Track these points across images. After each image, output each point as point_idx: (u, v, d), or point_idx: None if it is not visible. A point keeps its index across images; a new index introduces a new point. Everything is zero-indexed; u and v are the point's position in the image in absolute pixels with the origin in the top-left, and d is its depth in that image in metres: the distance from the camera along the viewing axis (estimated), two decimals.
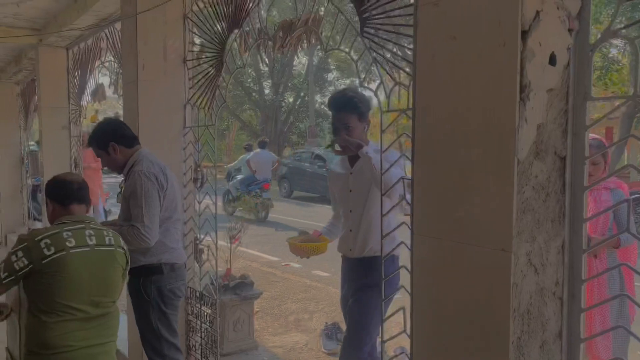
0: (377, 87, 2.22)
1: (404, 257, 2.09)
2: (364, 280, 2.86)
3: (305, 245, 3.02)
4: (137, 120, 3.62)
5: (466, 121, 1.53)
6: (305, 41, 2.75)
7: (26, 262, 2.17)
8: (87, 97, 5.73)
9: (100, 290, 2.33)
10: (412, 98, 1.71)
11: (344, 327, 4.86)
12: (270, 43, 2.98)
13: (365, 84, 2.34)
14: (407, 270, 1.91)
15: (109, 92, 5.70)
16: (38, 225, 8.84)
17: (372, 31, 2.19)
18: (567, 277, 1.55)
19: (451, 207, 1.57)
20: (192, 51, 3.84)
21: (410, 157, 1.72)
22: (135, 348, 3.24)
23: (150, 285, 3.00)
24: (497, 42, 1.45)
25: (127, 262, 2.50)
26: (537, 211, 1.49)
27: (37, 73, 6.34)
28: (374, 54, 2.18)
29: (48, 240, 2.21)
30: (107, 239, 2.39)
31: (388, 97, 2.15)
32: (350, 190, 2.93)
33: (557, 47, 1.49)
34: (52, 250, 2.20)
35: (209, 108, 3.62)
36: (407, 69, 2.05)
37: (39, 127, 6.49)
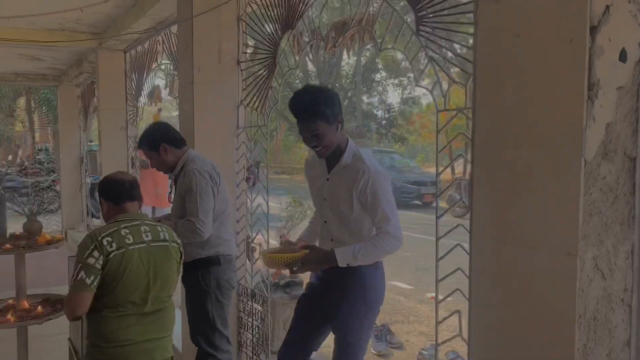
0: (433, 86, 2.19)
1: (459, 260, 2.05)
2: (346, 294, 2.44)
3: (279, 256, 2.37)
4: (193, 120, 3.71)
5: (530, 120, 1.49)
6: (358, 41, 2.74)
7: (102, 260, 2.24)
8: (143, 99, 5.92)
9: (156, 284, 2.38)
10: (472, 97, 1.68)
11: (392, 328, 4.84)
12: (322, 43, 2.99)
13: (420, 83, 2.31)
14: (464, 273, 1.87)
15: (164, 93, 5.88)
16: (96, 221, 9.20)
17: (428, 29, 2.15)
18: (636, 283, 1.48)
19: (513, 209, 1.53)
20: (246, 53, 3.90)
21: (464, 157, 1.69)
22: (190, 343, 3.31)
23: (209, 276, 3.11)
24: (564, 38, 1.40)
25: (181, 256, 2.55)
26: (605, 214, 1.43)
27: (97, 75, 6.59)
28: (430, 53, 2.15)
29: (109, 238, 2.28)
30: (161, 234, 2.45)
31: (445, 96, 2.12)
32: (325, 199, 2.52)
33: (627, 43, 1.43)
34: (114, 247, 2.27)
35: (261, 109, 3.66)
36: (465, 68, 2.01)
37: (98, 127, 6.75)
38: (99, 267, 2.24)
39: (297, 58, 3.36)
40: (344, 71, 29.59)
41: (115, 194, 2.46)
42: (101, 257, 2.24)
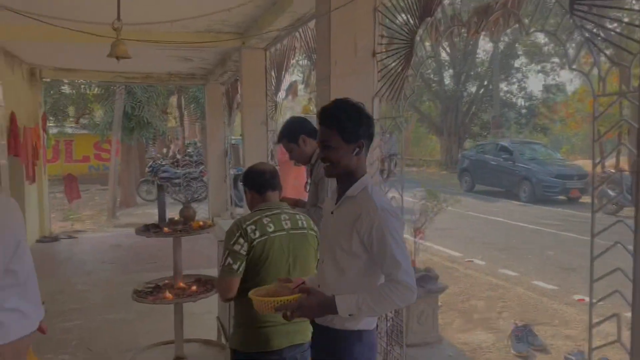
0: (590, 69, 2.01)
1: (616, 260, 1.86)
2: None
3: (268, 300, 1.99)
4: None
5: None
6: (502, 25, 2.60)
7: (247, 246, 2.39)
8: (282, 94, 6.18)
9: (296, 270, 2.47)
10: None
11: (535, 330, 4.55)
12: (463, 30, 2.88)
13: (573, 66, 2.12)
14: (625, 275, 1.70)
15: (300, 89, 6.09)
16: (239, 210, 9.84)
17: (584, 8, 1.97)
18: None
19: None
20: (381, 44, 3.90)
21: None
22: None
23: None
24: None
25: (318, 243, 2.62)
26: None
27: (240, 73, 7.02)
28: (586, 33, 1.97)
29: (253, 226, 2.42)
30: (300, 222, 2.54)
31: (603, 79, 1.92)
32: (325, 236, 2.16)
33: None
34: (257, 234, 2.40)
35: (396, 100, 3.64)
36: (628, 48, 1.81)
37: (241, 122, 7.17)
38: (244, 253, 2.38)
39: (434, 46, 3.27)
40: (479, 59, 28.31)
41: (258, 183, 2.58)
42: (246, 244, 2.38)
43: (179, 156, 18.27)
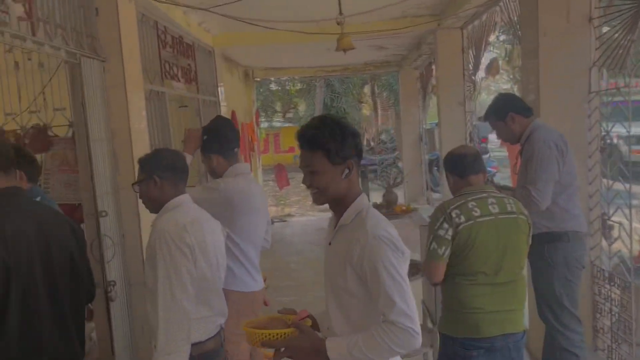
0: None
1: None
2: None
3: (257, 332, 1.75)
4: (538, 89, 3.55)
5: None
6: None
7: (452, 231, 2.37)
8: (480, 73, 5.94)
9: (506, 256, 2.37)
10: None
11: None
12: None
13: None
14: None
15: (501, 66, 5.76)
16: (434, 195, 9.76)
17: None
18: None
19: None
20: (599, 8, 3.49)
21: None
22: (538, 320, 3.20)
23: (555, 252, 3.00)
24: None
25: (530, 229, 2.48)
26: None
27: (435, 55, 6.92)
28: None
29: (458, 211, 2.37)
30: (508, 206, 2.42)
31: None
32: (325, 271, 1.91)
33: None
34: (462, 219, 2.35)
35: (619, 69, 3.23)
36: None
37: (437, 105, 7.09)
38: (449, 238, 2.35)
39: None
40: None
41: (460, 167, 2.52)
42: (450, 229, 2.35)
43: (372, 143, 18.77)
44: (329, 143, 1.72)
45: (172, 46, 4.93)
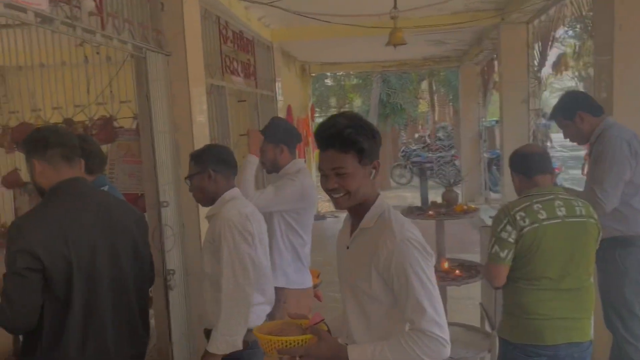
0: None
1: None
2: None
3: (273, 339, 1.65)
4: (612, 85, 3.38)
5: None
6: None
7: (515, 234, 2.27)
8: (547, 69, 5.72)
9: (573, 262, 2.27)
10: None
11: None
12: None
13: None
14: None
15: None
16: (493, 195, 9.49)
17: None
18: None
19: None
20: None
21: None
22: (604, 329, 3.04)
23: (627, 257, 2.88)
24: None
25: (599, 233, 2.36)
26: None
27: (498, 51, 6.71)
28: None
29: (522, 213, 2.27)
30: (577, 209, 2.31)
31: None
32: (341, 276, 1.82)
33: None
34: (527, 222, 2.26)
35: None
36: None
37: (499, 102, 6.88)
38: (512, 241, 2.27)
39: None
40: None
41: (526, 167, 2.43)
42: (514, 231, 2.26)
43: (429, 140, 18.47)
44: (364, 142, 1.63)
45: (233, 41, 5.01)
